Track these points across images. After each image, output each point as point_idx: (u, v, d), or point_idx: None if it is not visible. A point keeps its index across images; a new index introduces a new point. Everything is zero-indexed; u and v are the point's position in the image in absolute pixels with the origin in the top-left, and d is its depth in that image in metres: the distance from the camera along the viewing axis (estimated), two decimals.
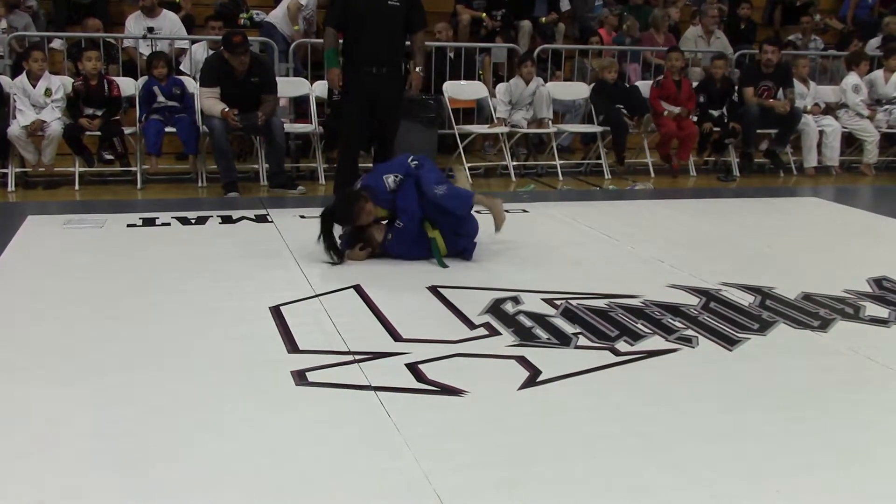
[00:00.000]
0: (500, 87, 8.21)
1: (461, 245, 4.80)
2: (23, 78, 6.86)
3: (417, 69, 6.03)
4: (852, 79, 8.84)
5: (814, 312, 4.05)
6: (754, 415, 2.97)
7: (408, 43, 6.12)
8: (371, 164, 6.16)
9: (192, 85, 7.34)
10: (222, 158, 6.76)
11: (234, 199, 6.60)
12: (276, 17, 8.97)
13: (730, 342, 3.63)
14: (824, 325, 3.90)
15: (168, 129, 7.03)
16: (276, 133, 6.76)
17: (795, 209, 6.98)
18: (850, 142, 9.10)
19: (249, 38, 7.67)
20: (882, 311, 4.12)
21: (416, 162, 4.79)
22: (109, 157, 7.07)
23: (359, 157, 5.94)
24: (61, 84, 6.90)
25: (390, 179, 4.70)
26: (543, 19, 9.86)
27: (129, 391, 3.02)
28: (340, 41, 6.03)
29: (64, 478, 2.43)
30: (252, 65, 6.64)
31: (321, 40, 8.04)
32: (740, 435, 2.81)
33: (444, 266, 4.67)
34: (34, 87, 6.81)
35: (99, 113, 6.92)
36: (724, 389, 3.18)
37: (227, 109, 6.52)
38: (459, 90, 8.31)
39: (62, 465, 2.50)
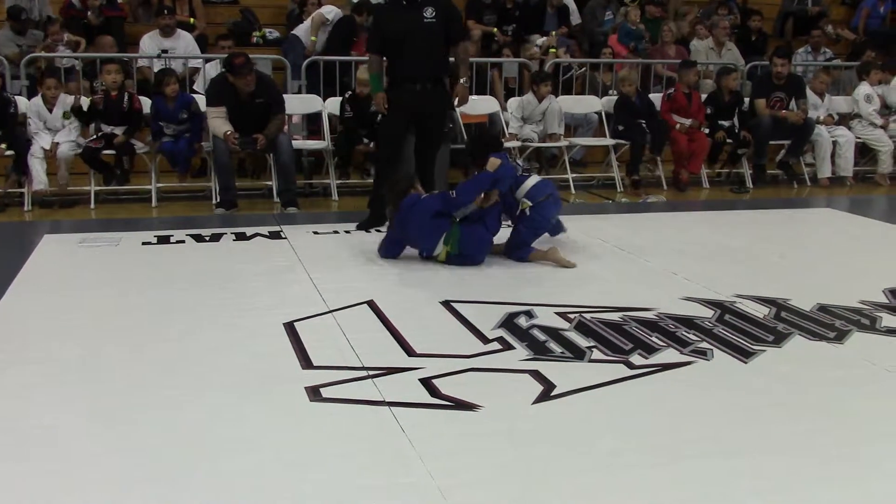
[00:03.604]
0: (512, 102, 8.22)
1: (468, 252, 4.94)
2: (38, 101, 6.92)
3: (462, 80, 6.02)
4: (864, 89, 8.81)
5: (830, 324, 4.03)
6: (771, 428, 2.95)
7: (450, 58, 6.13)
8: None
9: (204, 103, 7.37)
10: (222, 177, 6.79)
11: (247, 216, 6.62)
12: (301, 30, 9.05)
13: (745, 354, 3.62)
14: (840, 336, 3.88)
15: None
16: (283, 151, 6.77)
17: (809, 220, 6.95)
18: (864, 152, 9.07)
19: (263, 56, 7.72)
20: None
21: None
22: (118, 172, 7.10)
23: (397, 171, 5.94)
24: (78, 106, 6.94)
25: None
26: (553, 33, 9.87)
27: (146, 408, 3.03)
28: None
29: (82, 493, 2.44)
30: (258, 85, 6.64)
31: (334, 58, 8.18)
32: (757, 448, 2.80)
33: (442, 261, 4.91)
34: (50, 111, 6.87)
35: (118, 131, 6.93)
36: (739, 402, 3.16)
37: (228, 132, 6.54)
38: (471, 105, 8.31)
39: (81, 480, 2.51)
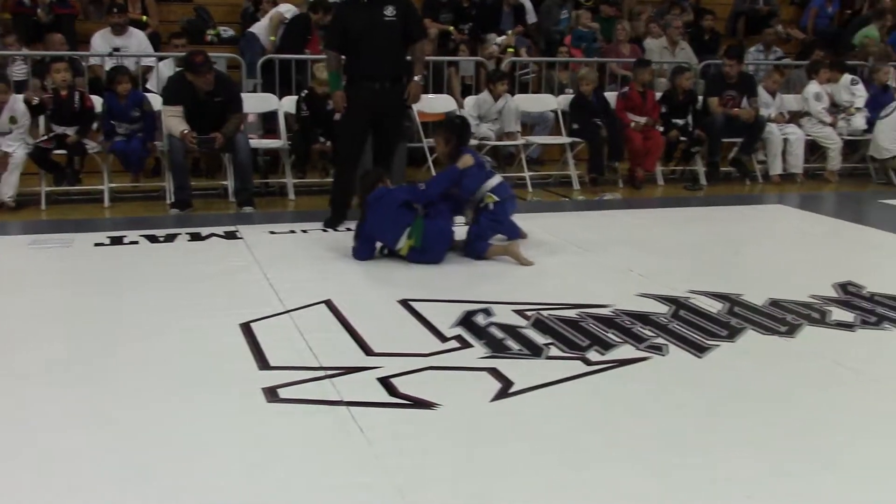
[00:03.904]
0: (469, 100, 8.23)
1: (429, 249, 4.96)
2: None
3: (416, 78, 6.02)
4: (814, 87, 8.97)
5: (781, 318, 4.10)
6: (725, 421, 3.00)
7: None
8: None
9: (157, 102, 7.27)
10: (177, 176, 6.71)
11: (203, 216, 6.55)
12: (259, 28, 8.96)
13: (699, 349, 3.67)
14: (792, 330, 3.95)
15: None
16: (240, 150, 6.71)
17: (761, 217, 7.06)
18: (814, 149, 9.24)
19: (219, 54, 7.63)
20: (847, 316, 4.18)
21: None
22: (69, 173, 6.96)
23: (356, 171, 5.92)
24: (25, 110, 6.76)
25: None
26: (510, 32, 9.91)
27: (100, 411, 2.99)
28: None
29: (37, 496, 2.40)
30: (216, 83, 6.58)
31: (290, 56, 8.12)
32: (711, 441, 2.84)
33: (403, 256, 4.94)
34: None
35: (70, 131, 6.80)
36: (694, 396, 3.21)
37: (185, 131, 6.47)
38: (428, 104, 8.33)
39: (34, 484, 2.47)
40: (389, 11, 5.74)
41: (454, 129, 5.46)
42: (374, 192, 5.03)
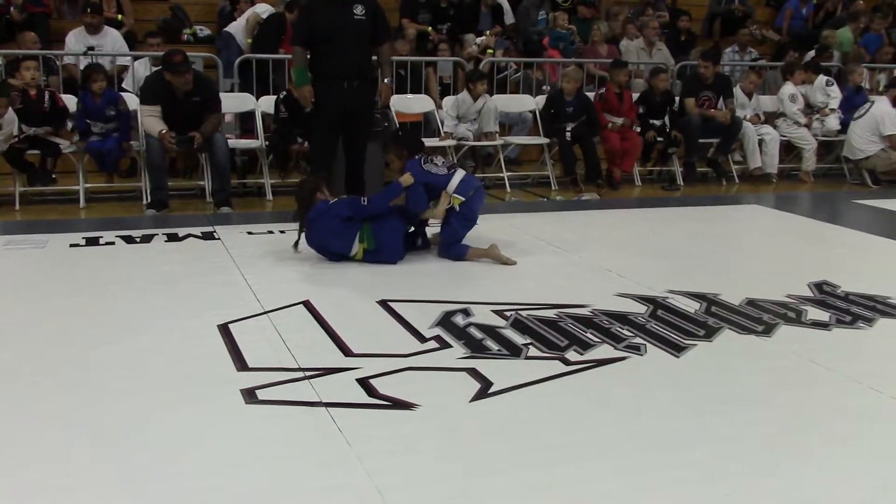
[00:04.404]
0: (448, 100, 8.23)
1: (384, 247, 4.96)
2: None
3: (386, 80, 6.03)
4: (789, 88, 9.06)
5: (758, 318, 4.14)
6: (702, 420, 3.02)
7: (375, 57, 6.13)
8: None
9: (133, 101, 7.22)
10: (154, 176, 6.66)
11: (180, 216, 6.51)
12: (235, 28, 8.92)
13: (677, 349, 3.69)
14: (768, 329, 3.98)
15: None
16: (218, 150, 6.67)
17: (738, 217, 7.12)
18: (789, 150, 9.33)
19: (196, 53, 7.58)
20: (823, 315, 4.22)
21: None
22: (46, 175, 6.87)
23: (331, 170, 5.90)
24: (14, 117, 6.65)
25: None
26: (488, 32, 9.93)
27: (78, 412, 2.96)
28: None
29: (15, 499, 2.38)
30: (194, 83, 6.54)
31: (267, 56, 8.09)
32: (690, 440, 2.86)
33: (359, 259, 4.92)
34: None
35: (40, 132, 6.72)
36: (672, 396, 3.22)
37: (164, 131, 6.43)
38: (407, 104, 8.33)
39: (12, 487, 2.44)
40: (359, 10, 5.74)
41: (403, 142, 5.40)
42: (314, 208, 4.93)
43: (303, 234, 5.02)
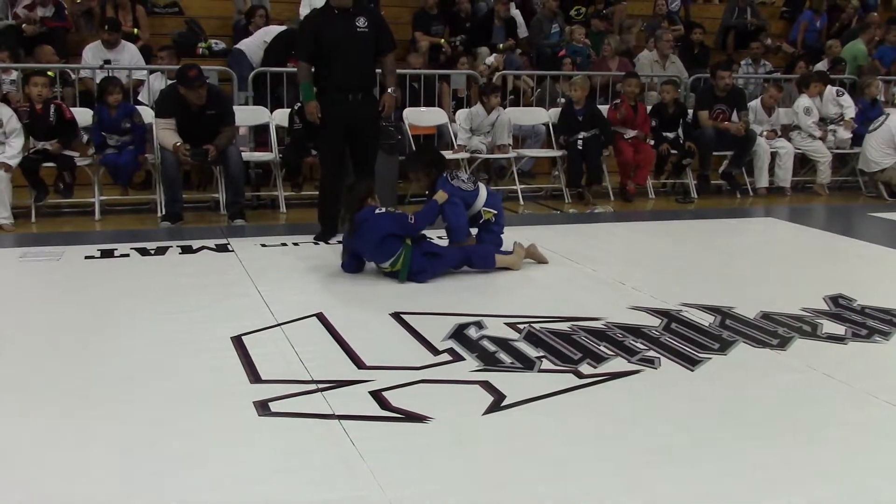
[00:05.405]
0: (461, 113, 8.26)
1: (421, 270, 4.89)
2: None
3: (390, 90, 6.04)
4: (804, 101, 9.03)
5: (773, 331, 4.11)
6: (717, 434, 3.00)
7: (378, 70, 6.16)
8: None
9: (148, 114, 7.27)
10: (169, 189, 6.70)
11: (194, 229, 6.53)
12: (248, 44, 8.90)
13: (691, 362, 3.67)
14: (783, 343, 3.95)
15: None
16: (232, 163, 6.70)
17: (752, 229, 7.09)
18: (804, 163, 9.29)
19: (210, 67, 7.63)
20: (839, 329, 4.19)
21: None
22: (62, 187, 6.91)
23: (341, 184, 5.91)
24: (12, 115, 6.69)
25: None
26: (501, 46, 9.96)
27: (91, 426, 2.96)
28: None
29: None
30: (209, 97, 6.58)
31: (281, 70, 8.13)
32: (704, 455, 2.84)
33: (403, 280, 4.83)
34: None
35: (48, 145, 6.72)
36: (687, 410, 3.20)
37: (178, 143, 6.47)
38: (420, 117, 8.36)
39: (25, 499, 2.45)
40: (361, 23, 5.76)
41: (430, 160, 5.42)
42: (363, 211, 4.91)
43: (340, 235, 5.03)
